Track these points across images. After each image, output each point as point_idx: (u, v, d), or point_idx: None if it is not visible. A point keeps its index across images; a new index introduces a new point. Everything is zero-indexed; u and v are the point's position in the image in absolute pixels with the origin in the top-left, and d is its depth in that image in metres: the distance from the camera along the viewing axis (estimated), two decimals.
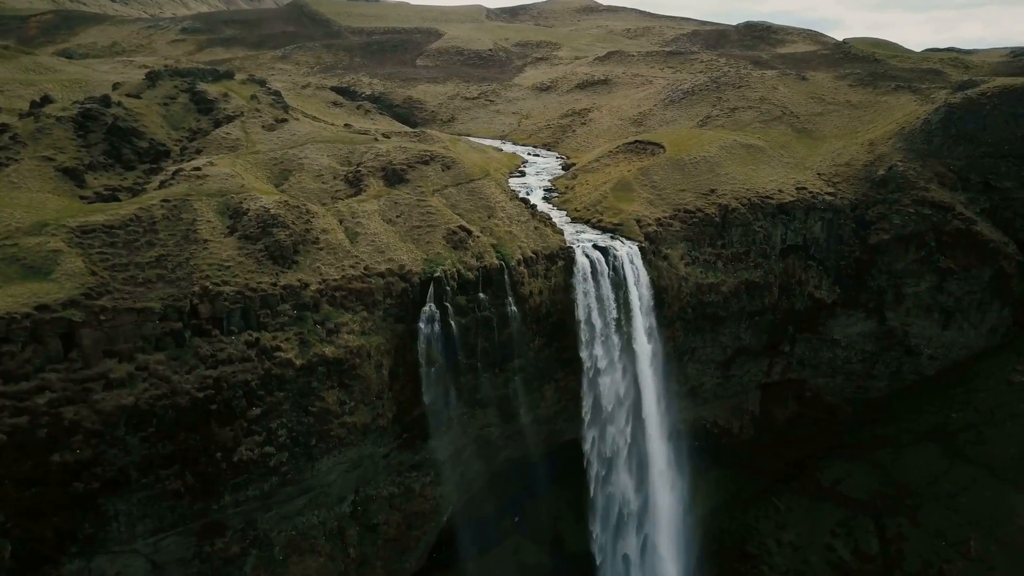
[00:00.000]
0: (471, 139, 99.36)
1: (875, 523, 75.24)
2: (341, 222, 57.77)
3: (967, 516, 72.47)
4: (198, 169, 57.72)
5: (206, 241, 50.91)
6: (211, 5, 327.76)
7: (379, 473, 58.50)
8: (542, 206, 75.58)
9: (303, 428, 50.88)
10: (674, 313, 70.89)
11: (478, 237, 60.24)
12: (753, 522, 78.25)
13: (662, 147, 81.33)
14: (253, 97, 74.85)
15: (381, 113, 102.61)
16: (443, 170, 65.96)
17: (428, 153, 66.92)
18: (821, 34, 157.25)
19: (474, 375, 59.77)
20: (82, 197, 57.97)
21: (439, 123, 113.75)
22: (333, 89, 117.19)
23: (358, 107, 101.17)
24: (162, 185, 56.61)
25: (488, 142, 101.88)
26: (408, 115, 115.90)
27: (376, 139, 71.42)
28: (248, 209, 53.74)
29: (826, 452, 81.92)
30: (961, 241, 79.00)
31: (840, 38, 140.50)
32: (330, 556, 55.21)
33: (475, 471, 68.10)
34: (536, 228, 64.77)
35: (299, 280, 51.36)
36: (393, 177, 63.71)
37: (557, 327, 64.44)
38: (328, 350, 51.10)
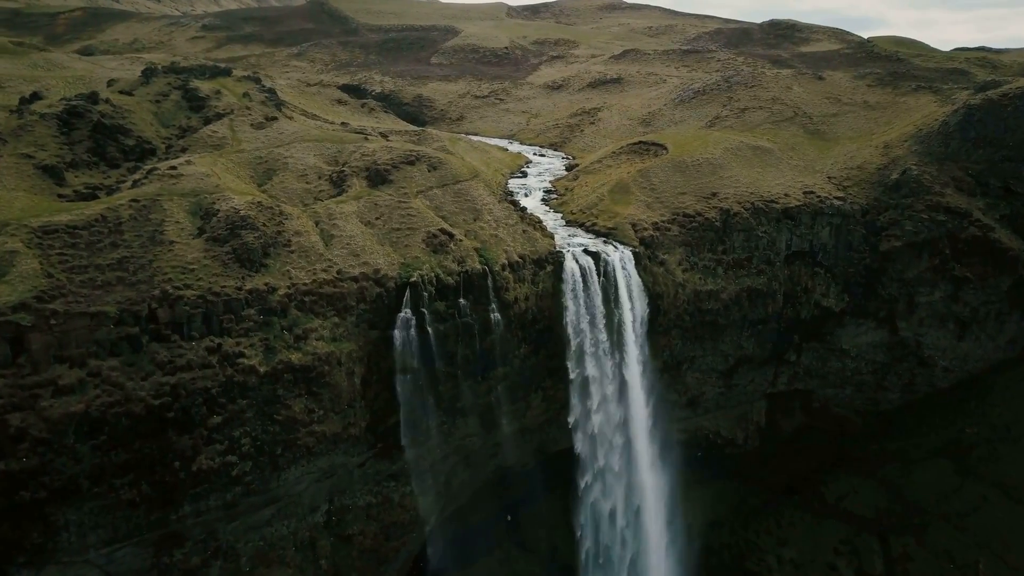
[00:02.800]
0: (477, 138, 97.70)
1: (880, 542, 72.43)
2: (317, 224, 56.12)
3: (977, 537, 69.29)
4: (174, 168, 56.42)
5: (172, 243, 49.54)
6: (241, 2, 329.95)
7: (355, 483, 56.81)
8: (539, 208, 73.66)
9: (268, 437, 49.28)
10: (670, 321, 68.39)
11: (460, 241, 58.27)
12: (754, 537, 75.70)
13: (665, 148, 78.82)
14: (245, 95, 73.66)
15: (386, 111, 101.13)
16: (429, 171, 64.09)
17: (414, 153, 65.06)
18: (848, 32, 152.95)
19: (454, 383, 57.81)
20: (61, 195, 56.84)
21: (448, 122, 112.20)
22: (344, 87, 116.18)
23: (363, 105, 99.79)
24: (135, 184, 55.37)
25: (495, 141, 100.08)
26: (417, 113, 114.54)
27: (366, 138, 69.78)
28: (219, 210, 52.29)
29: (832, 466, 79.15)
30: (978, 249, 75.46)
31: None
32: (299, 568, 53.60)
33: (462, 480, 66.26)
34: (524, 231, 62.69)
35: (266, 284, 49.76)
36: (376, 178, 61.96)
37: (544, 334, 62.32)
38: (295, 357, 49.45)
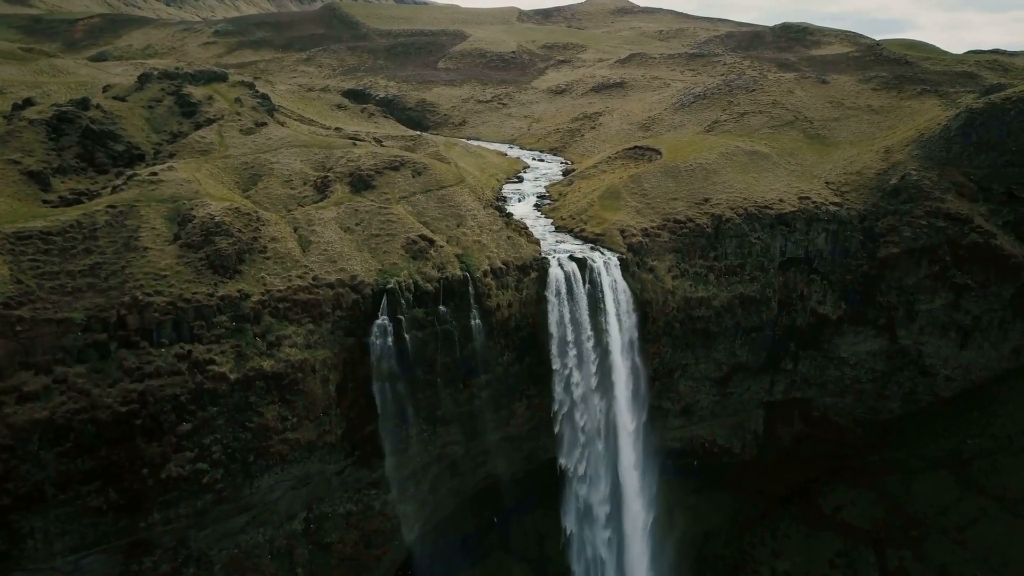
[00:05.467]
0: (477, 143, 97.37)
1: (877, 555, 71.04)
2: (296, 230, 55.85)
3: (975, 552, 67.74)
4: (154, 174, 56.36)
5: (146, 249, 49.42)
6: (260, 7, 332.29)
7: (333, 490, 56.41)
8: (531, 214, 73.18)
9: (240, 444, 48.94)
10: (660, 328, 67.40)
11: (441, 247, 57.75)
12: (749, 548, 74.52)
13: (660, 153, 77.89)
14: (237, 100, 73.61)
15: (386, 116, 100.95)
16: (413, 176, 63.66)
17: (398, 159, 64.68)
18: (862, 36, 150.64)
19: (433, 391, 57.24)
20: (45, 201, 56.95)
21: (451, 126, 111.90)
22: (349, 91, 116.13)
23: (363, 110, 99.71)
24: (114, 190, 55.37)
25: (495, 146, 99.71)
26: (420, 118, 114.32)
27: (354, 143, 69.48)
28: (195, 216, 52.14)
29: (831, 476, 77.74)
30: (979, 255, 73.74)
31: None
32: None
33: (449, 488, 65.65)
34: (509, 238, 62.05)
35: (239, 291, 49.49)
36: (359, 183, 61.62)
37: (528, 341, 61.63)
38: (267, 364, 49.10)
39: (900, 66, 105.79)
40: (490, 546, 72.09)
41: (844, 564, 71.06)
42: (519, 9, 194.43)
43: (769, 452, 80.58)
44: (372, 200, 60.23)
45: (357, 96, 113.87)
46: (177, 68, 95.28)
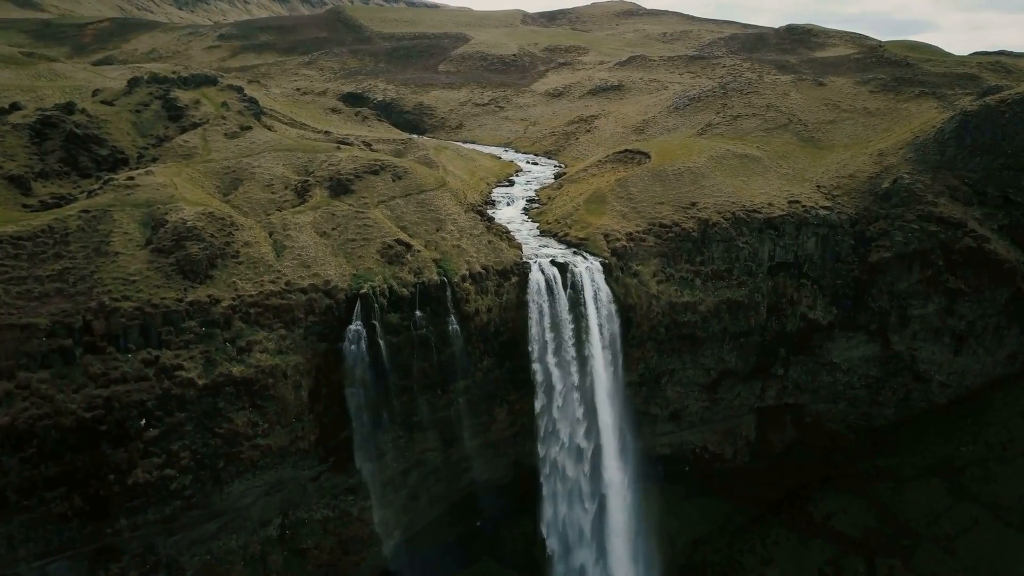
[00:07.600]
0: (471, 146, 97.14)
1: (866, 564, 69.84)
2: (271, 235, 55.56)
3: (965, 561, 66.58)
4: (131, 179, 56.30)
5: (116, 254, 49.25)
6: (271, 10, 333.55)
7: (309, 496, 56.07)
8: (518, 217, 72.75)
9: (209, 450, 48.62)
10: (644, 333, 66.70)
11: (418, 251, 57.32)
12: (738, 556, 73.53)
13: (648, 156, 77.18)
14: (223, 104, 73.57)
15: (380, 119, 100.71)
16: (393, 180, 63.28)
17: (379, 162, 64.30)
18: (867, 37, 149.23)
19: (410, 397, 56.83)
20: (25, 205, 57.00)
21: (447, 129, 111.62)
22: (347, 95, 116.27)
23: (356, 113, 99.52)
24: (90, 195, 55.32)
25: (490, 150, 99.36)
26: (418, 121, 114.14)
27: (338, 147, 69.21)
28: (168, 221, 51.98)
29: (822, 482, 76.60)
30: (972, 260, 72.61)
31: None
32: None
33: (432, 494, 65.24)
34: (490, 242, 61.54)
35: (209, 296, 49.24)
36: (338, 187, 61.30)
37: (509, 346, 61.11)
38: (236, 369, 48.78)
39: (900, 68, 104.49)
40: (477, 552, 71.50)
41: (833, 572, 69.99)
42: (523, 11, 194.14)
43: (761, 458, 79.59)
44: (350, 204, 59.90)
45: (355, 99, 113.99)
46: (174, 72, 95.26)
